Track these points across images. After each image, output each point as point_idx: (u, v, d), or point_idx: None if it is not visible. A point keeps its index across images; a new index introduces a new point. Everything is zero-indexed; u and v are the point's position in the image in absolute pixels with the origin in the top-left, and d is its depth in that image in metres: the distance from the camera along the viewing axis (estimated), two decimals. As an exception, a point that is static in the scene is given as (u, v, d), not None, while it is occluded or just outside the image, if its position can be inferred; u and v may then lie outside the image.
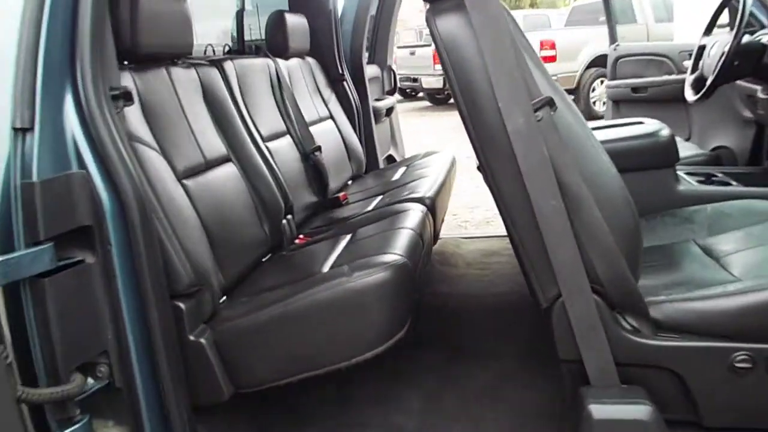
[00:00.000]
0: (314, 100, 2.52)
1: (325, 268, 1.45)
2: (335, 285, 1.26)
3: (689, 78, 2.24)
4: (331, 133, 2.53)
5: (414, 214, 1.72)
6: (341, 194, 2.28)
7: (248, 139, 1.80)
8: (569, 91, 8.23)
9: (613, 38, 3.44)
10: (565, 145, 1.08)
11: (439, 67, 10.19)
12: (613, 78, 3.40)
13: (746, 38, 2.01)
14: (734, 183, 1.81)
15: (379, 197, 2.17)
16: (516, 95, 1.06)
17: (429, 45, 10.58)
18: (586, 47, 8.33)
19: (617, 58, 3.37)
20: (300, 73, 2.48)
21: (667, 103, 3.05)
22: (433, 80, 10.27)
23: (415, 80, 10.74)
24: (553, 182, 1.07)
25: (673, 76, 3.04)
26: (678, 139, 2.56)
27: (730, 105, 2.65)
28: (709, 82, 2.02)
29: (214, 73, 1.79)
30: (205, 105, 1.70)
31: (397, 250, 1.39)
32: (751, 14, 2.47)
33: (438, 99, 11.11)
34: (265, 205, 1.75)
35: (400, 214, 1.73)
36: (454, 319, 2.03)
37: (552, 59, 8.11)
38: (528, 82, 1.07)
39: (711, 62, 2.09)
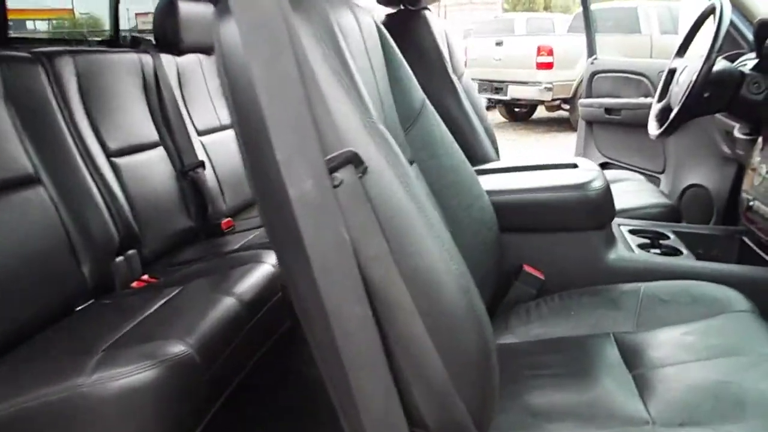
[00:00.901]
0: (216, 104, 2.14)
1: (103, 345, 1.08)
2: (68, 388, 0.90)
3: (655, 107, 1.85)
4: (234, 144, 2.15)
5: (259, 271, 1.35)
6: (225, 220, 1.90)
7: (76, 155, 1.43)
8: (566, 101, 7.83)
9: (591, 50, 3.05)
10: (377, 224, 0.71)
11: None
12: (589, 95, 3.00)
13: (723, 64, 1.61)
14: (685, 251, 1.42)
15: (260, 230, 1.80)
16: (302, 146, 0.68)
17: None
18: (585, 55, 7.92)
19: (593, 74, 2.98)
20: (199, 71, 2.10)
21: (641, 129, 2.66)
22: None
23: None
24: (356, 280, 0.69)
25: (649, 99, 2.64)
26: (641, 179, 2.17)
27: (708, 138, 2.26)
28: (672, 116, 1.63)
29: (31, 70, 1.42)
30: (9, 111, 1.33)
31: (188, 336, 1.01)
32: (739, 33, 2.08)
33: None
34: (89, 239, 1.38)
35: (246, 267, 1.35)
36: (318, 397, 1.64)
37: (549, 66, 7.72)
38: (323, 126, 0.70)
39: (679, 91, 1.69)
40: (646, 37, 8.15)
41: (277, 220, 0.74)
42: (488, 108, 9.67)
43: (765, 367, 0.94)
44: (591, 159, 3.03)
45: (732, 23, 2.11)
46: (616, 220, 1.53)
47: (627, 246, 1.40)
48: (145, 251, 1.56)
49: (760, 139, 1.51)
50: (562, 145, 6.92)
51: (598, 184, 1.30)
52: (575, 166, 1.43)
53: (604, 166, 2.96)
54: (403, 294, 0.71)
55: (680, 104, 1.60)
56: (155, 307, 1.26)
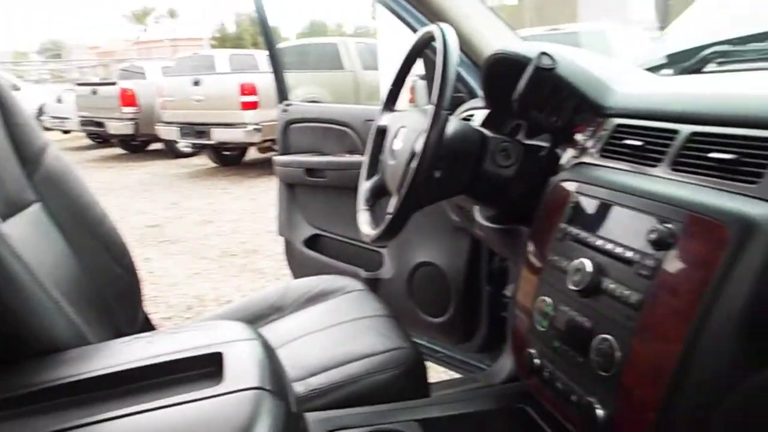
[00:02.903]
0: None
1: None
2: None
3: (363, 186, 1.22)
4: None
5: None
6: None
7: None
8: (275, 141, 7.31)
9: (282, 94, 2.39)
10: None
11: (128, 109, 8.61)
12: (285, 151, 2.35)
13: (456, 125, 1.04)
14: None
15: None
16: None
17: (113, 83, 8.92)
18: (292, 93, 7.47)
19: (288, 123, 2.34)
20: None
21: (353, 193, 2.09)
22: (121, 125, 8.63)
23: (99, 124, 8.95)
24: None
25: (357, 158, 2.07)
26: (357, 287, 1.48)
27: (436, 207, 1.74)
28: (393, 213, 1.00)
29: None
30: None
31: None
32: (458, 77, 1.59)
33: (134, 146, 9.45)
34: None
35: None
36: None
37: (254, 105, 7.11)
38: None
39: (396, 165, 1.08)
40: (350, 73, 8.08)
41: None
42: (194, 154, 8.75)
43: None
44: (298, 231, 2.39)
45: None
46: (312, 419, 0.83)
47: None
48: None
49: (529, 237, 0.95)
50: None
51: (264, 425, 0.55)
52: (218, 362, 0.66)
53: (314, 239, 2.32)
54: None
55: (403, 191, 0.98)
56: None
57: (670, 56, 1.42)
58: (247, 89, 7.03)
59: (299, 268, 2.29)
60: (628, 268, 0.71)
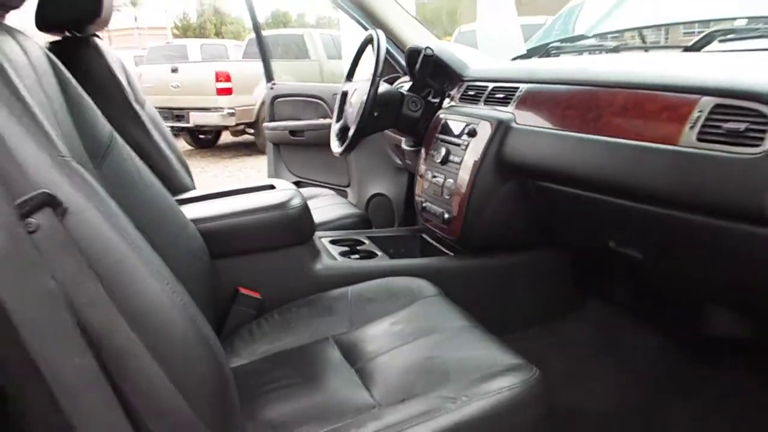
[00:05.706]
0: None
1: None
2: None
3: (334, 127, 2.04)
4: None
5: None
6: None
7: None
8: (250, 125, 8.04)
9: (269, 76, 3.20)
10: (86, 268, 0.66)
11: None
12: (272, 119, 3.15)
13: (385, 87, 1.86)
14: (379, 253, 1.61)
15: None
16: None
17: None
18: (263, 80, 8.19)
19: (274, 98, 3.14)
20: None
21: (324, 148, 2.90)
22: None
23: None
24: (72, 330, 0.64)
25: (327, 120, 2.89)
26: (332, 194, 2.37)
27: (383, 153, 2.57)
28: (350, 134, 1.82)
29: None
30: None
31: None
32: (394, 59, 2.42)
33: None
34: None
35: None
36: None
37: (228, 91, 7.83)
38: (7, 169, 0.63)
39: (353, 111, 1.90)
40: (316, 62, 8.83)
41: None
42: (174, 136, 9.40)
43: (457, 339, 1.12)
44: (283, 179, 3.20)
45: (388, 51, 2.45)
46: (317, 234, 1.65)
47: (330, 256, 1.52)
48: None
49: (422, 150, 1.78)
50: (253, 168, 7.09)
51: (296, 202, 1.39)
52: (272, 187, 1.51)
53: (296, 185, 3.13)
54: (130, 338, 0.68)
55: (355, 124, 1.79)
56: None
57: (529, 50, 2.27)
58: (222, 76, 7.73)
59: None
60: (457, 148, 1.55)
